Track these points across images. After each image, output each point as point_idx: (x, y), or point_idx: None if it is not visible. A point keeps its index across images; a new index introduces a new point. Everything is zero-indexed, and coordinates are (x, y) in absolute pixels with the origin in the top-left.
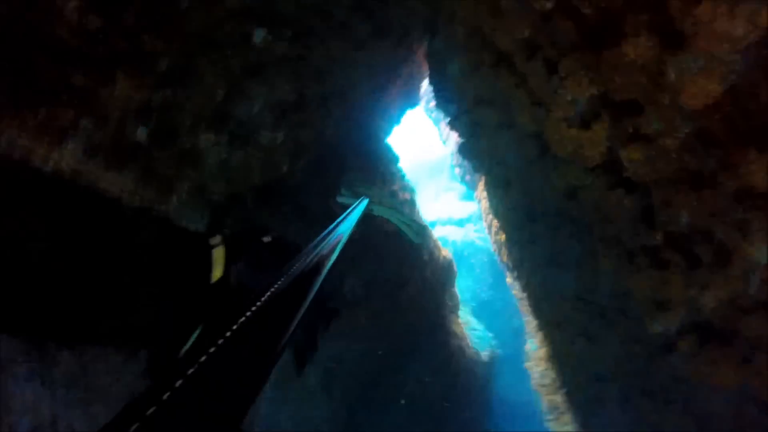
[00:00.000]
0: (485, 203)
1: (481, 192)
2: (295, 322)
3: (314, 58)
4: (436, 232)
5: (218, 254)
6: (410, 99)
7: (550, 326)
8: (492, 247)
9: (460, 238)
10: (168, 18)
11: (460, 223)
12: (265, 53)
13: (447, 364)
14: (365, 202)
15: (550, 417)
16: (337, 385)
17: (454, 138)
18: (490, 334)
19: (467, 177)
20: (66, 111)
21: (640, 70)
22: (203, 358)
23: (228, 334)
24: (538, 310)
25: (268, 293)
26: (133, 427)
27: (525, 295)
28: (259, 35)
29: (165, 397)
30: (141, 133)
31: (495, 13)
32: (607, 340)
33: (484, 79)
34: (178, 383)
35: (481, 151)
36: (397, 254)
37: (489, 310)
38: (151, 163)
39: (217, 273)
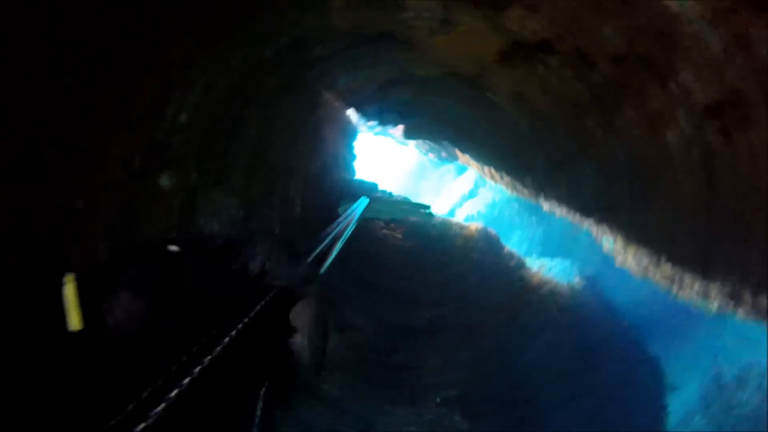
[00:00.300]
0: (473, 162)
1: (463, 157)
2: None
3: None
4: (459, 215)
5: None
6: (349, 133)
7: (605, 212)
8: (505, 188)
9: (481, 206)
10: None
11: (472, 194)
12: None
13: (556, 319)
14: (366, 200)
15: (674, 288)
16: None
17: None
18: (568, 261)
19: (443, 154)
20: None
21: None
22: (206, 360)
23: (229, 335)
24: (584, 208)
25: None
26: (139, 427)
27: (570, 208)
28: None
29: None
30: None
31: None
32: (652, 194)
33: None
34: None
35: (434, 129)
36: (437, 262)
37: (552, 243)
38: None
39: (74, 320)
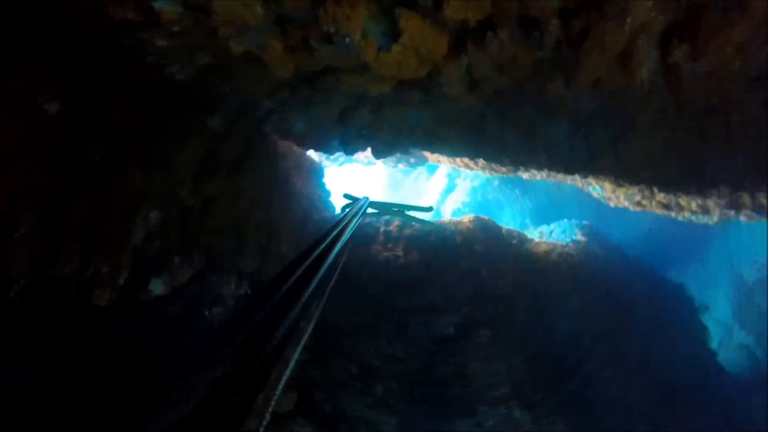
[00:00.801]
0: (444, 158)
1: (432, 156)
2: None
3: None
4: (446, 210)
5: None
6: (316, 172)
7: (581, 165)
8: (482, 172)
9: (463, 196)
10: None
11: (450, 188)
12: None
13: (574, 280)
14: (367, 200)
15: (673, 212)
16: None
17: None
18: (564, 221)
19: (412, 160)
20: None
21: None
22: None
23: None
24: (564, 167)
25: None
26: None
27: (552, 172)
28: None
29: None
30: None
31: None
32: (628, 124)
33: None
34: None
35: (400, 141)
36: (446, 268)
37: (543, 211)
38: None
39: None
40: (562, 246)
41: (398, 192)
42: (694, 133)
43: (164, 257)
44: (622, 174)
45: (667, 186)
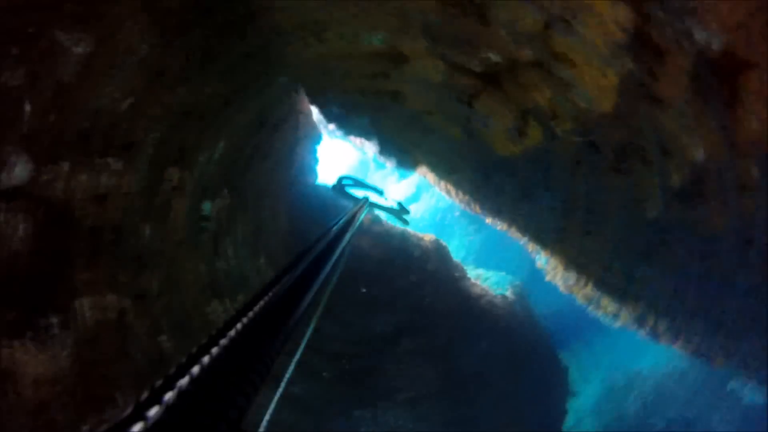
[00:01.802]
0: (432, 176)
1: (421, 169)
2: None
3: (248, 189)
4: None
5: None
6: (314, 139)
7: (551, 239)
8: (458, 203)
9: (423, 209)
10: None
11: (416, 197)
12: (216, 215)
13: (492, 325)
14: (368, 200)
15: (591, 306)
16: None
17: (369, 143)
18: (503, 273)
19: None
20: None
21: None
22: (205, 358)
23: (229, 332)
24: (533, 233)
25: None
26: (137, 427)
27: (514, 227)
28: (206, 208)
29: (167, 397)
30: (161, 340)
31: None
32: (607, 226)
33: (392, 119)
34: (181, 383)
35: (416, 157)
36: (398, 273)
37: (487, 252)
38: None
39: None
40: (493, 296)
41: (363, 178)
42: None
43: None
44: (576, 260)
45: (601, 285)
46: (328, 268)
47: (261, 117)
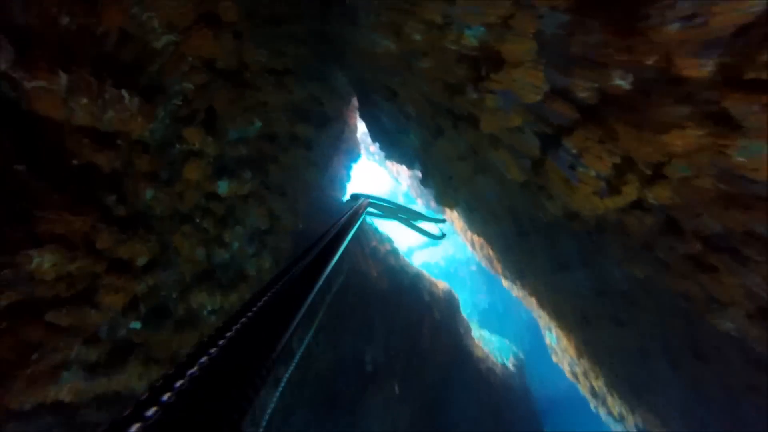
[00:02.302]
0: (460, 223)
1: (451, 213)
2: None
3: (273, 181)
4: (416, 259)
5: None
6: (352, 155)
7: (571, 320)
8: (479, 259)
9: (441, 256)
10: (137, 223)
11: (435, 242)
12: (230, 198)
13: (487, 393)
14: (368, 199)
15: (595, 402)
16: None
17: (405, 174)
18: (506, 341)
19: (432, 204)
20: (56, 354)
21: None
22: (203, 359)
23: (228, 334)
24: (553, 308)
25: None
26: (135, 427)
27: (534, 298)
28: (222, 187)
29: (165, 398)
30: (134, 327)
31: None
32: (639, 319)
33: (449, 142)
34: (179, 383)
35: (458, 196)
36: (403, 311)
37: (494, 315)
38: (149, 351)
39: None
40: (494, 363)
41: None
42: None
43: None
44: (594, 350)
45: (615, 384)
46: (328, 270)
47: (309, 108)
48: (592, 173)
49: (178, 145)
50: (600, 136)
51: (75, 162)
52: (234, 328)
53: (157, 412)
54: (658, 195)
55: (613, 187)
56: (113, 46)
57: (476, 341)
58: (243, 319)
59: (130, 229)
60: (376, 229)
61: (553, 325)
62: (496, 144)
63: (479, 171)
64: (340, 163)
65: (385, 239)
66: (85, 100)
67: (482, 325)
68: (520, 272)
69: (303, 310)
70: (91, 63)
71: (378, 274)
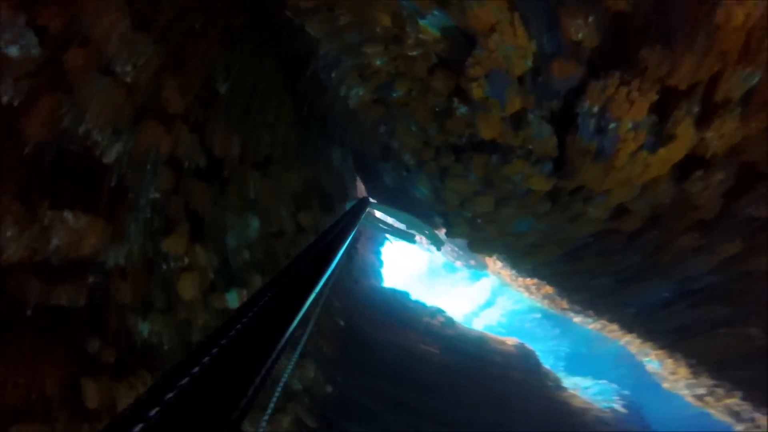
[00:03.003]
0: (506, 272)
1: (494, 266)
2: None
3: None
4: (477, 324)
5: None
6: (377, 240)
7: (667, 336)
8: (539, 303)
9: (500, 314)
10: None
11: (490, 303)
12: None
13: None
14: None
15: (739, 424)
16: None
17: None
18: (602, 381)
19: (472, 262)
20: None
21: None
22: (205, 359)
23: (230, 334)
24: (641, 329)
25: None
26: (137, 427)
27: (615, 325)
28: (232, 299)
29: (167, 397)
30: None
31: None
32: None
33: (458, 180)
34: (182, 382)
35: (490, 239)
36: (478, 381)
37: (579, 358)
38: None
39: None
40: (599, 410)
41: (432, 285)
42: None
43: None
44: (704, 362)
45: (752, 394)
46: (329, 272)
47: (308, 193)
48: (628, 125)
49: (164, 264)
50: (619, 77)
51: (29, 305)
52: (234, 328)
53: (158, 411)
54: (722, 132)
55: (663, 135)
56: (50, 164)
57: (571, 392)
58: (244, 320)
59: (127, 375)
60: (423, 305)
61: (648, 348)
62: (507, 156)
63: (502, 202)
64: (366, 250)
65: (436, 312)
66: (11, 231)
67: (571, 372)
68: (587, 302)
69: (304, 310)
70: (18, 185)
71: (439, 350)
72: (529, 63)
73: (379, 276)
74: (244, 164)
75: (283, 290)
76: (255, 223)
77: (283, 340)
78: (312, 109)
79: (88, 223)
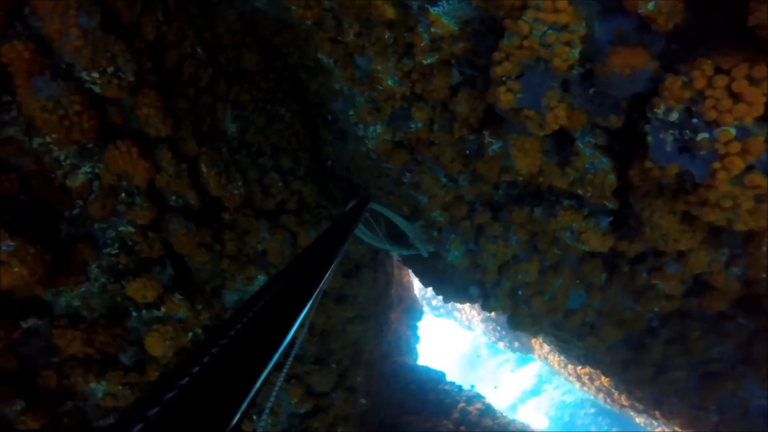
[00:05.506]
0: (554, 357)
1: (541, 349)
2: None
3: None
4: (521, 415)
5: None
6: (413, 313)
7: None
8: (593, 396)
9: (548, 406)
10: None
11: (536, 391)
12: None
13: None
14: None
15: None
16: None
17: (478, 319)
18: None
19: (516, 344)
20: None
21: None
22: (205, 359)
23: (230, 334)
24: None
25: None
26: (137, 427)
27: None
28: None
29: (167, 397)
30: None
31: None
32: None
33: (496, 241)
34: (181, 383)
35: (536, 314)
36: None
37: None
38: None
39: None
40: None
41: (472, 371)
42: None
43: None
44: None
45: None
46: (327, 274)
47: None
48: (731, 131)
49: (135, 312)
50: (711, 64)
51: None
52: (234, 328)
53: (158, 411)
54: None
55: None
56: None
57: None
58: (244, 319)
59: None
60: (460, 388)
61: None
62: (553, 205)
63: (549, 269)
64: (401, 323)
65: (474, 398)
66: None
67: None
68: (653, 400)
69: (305, 310)
70: None
71: None
72: (577, 52)
73: (413, 352)
74: (252, 210)
75: (283, 290)
76: (261, 278)
77: (286, 340)
78: (335, 160)
79: (26, 253)
